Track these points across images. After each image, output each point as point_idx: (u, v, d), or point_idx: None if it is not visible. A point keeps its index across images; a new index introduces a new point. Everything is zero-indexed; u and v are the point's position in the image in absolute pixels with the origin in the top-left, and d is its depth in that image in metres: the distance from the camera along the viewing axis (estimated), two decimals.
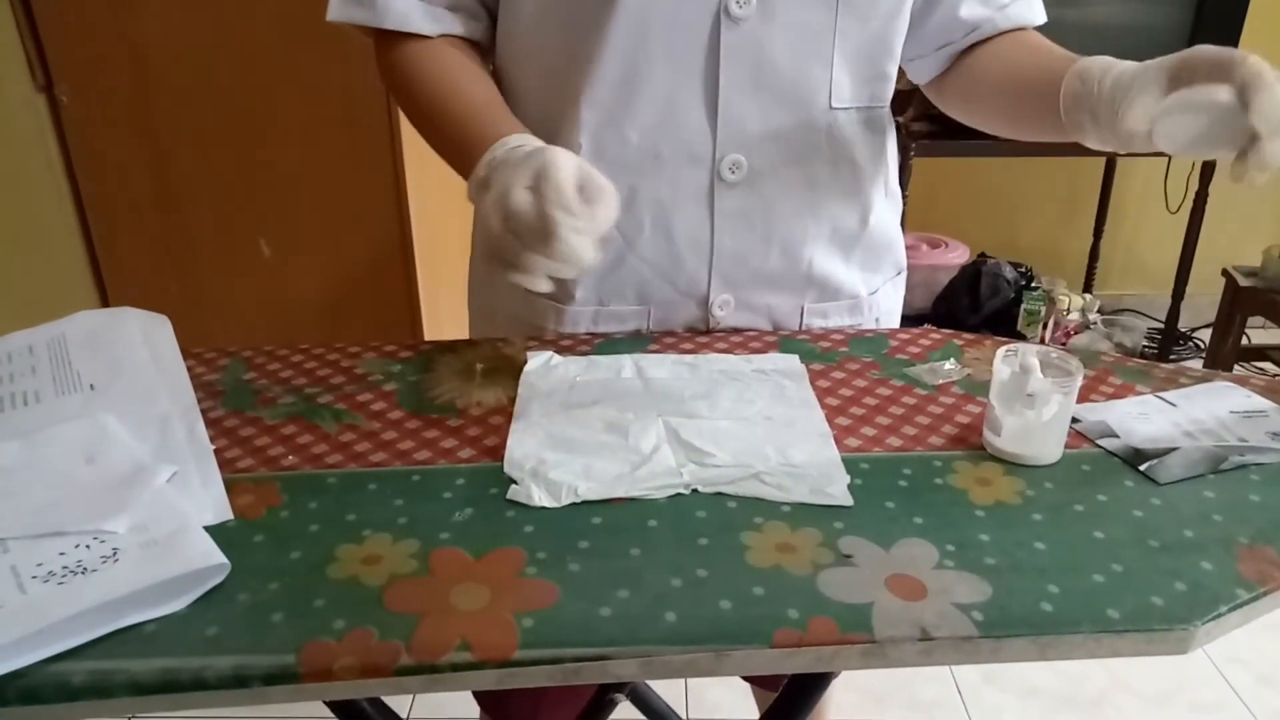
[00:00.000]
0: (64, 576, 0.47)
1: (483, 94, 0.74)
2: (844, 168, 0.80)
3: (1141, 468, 0.60)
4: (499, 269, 0.60)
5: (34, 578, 0.47)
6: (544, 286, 0.59)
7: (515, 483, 0.58)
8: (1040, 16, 0.82)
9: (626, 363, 0.74)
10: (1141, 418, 0.66)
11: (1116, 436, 0.64)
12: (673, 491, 0.57)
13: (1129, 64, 0.65)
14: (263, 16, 1.46)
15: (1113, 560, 0.51)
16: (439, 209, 1.81)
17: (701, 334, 0.81)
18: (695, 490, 0.58)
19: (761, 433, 0.64)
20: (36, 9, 1.47)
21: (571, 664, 0.45)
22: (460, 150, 0.68)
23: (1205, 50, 0.61)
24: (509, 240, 0.58)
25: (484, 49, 0.81)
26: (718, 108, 0.74)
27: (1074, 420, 0.65)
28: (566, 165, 0.58)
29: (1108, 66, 0.66)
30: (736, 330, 0.83)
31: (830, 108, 0.77)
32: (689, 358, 0.76)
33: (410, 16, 0.75)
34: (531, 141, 0.64)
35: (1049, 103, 0.70)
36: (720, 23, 0.71)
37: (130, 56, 1.49)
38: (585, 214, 0.57)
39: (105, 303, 1.68)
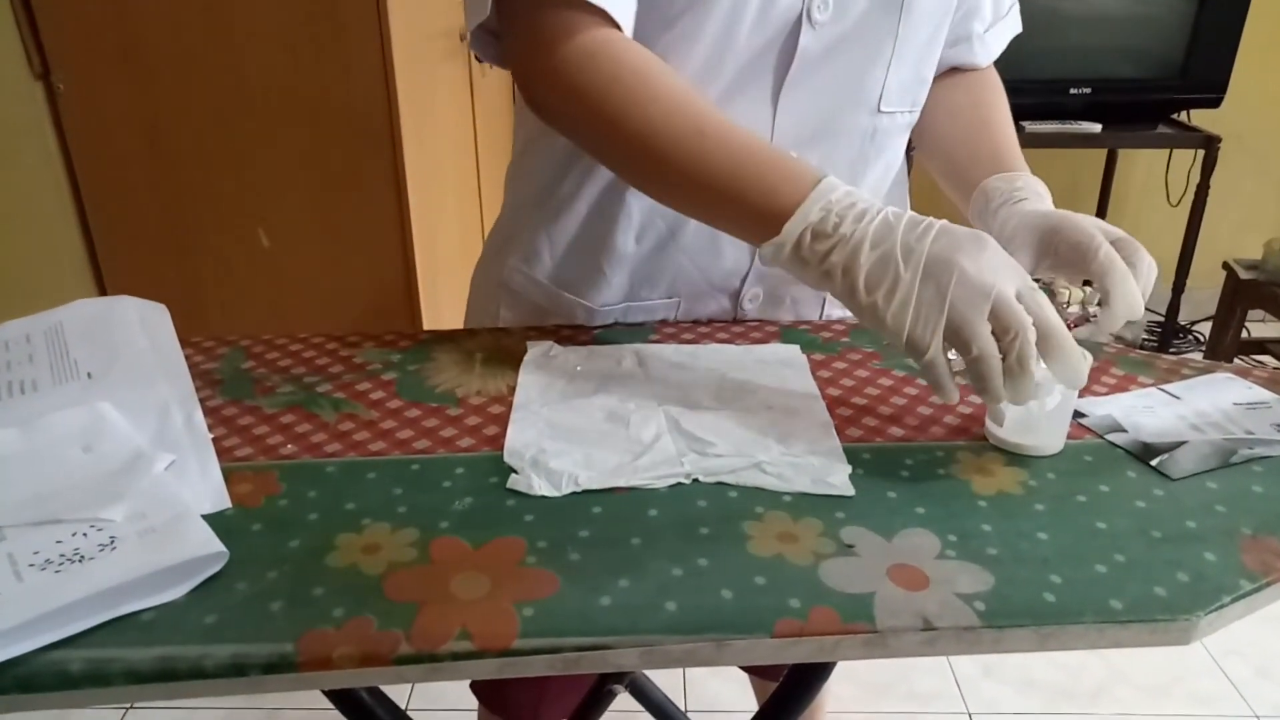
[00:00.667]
0: (61, 564, 0.47)
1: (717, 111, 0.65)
2: (879, 169, 0.81)
3: (1153, 463, 0.60)
4: (981, 393, 0.56)
5: (31, 565, 0.47)
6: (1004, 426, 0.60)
7: (515, 472, 0.58)
8: (1000, 48, 0.88)
9: (627, 352, 0.74)
10: (1147, 411, 0.66)
11: (1125, 431, 0.63)
12: (673, 481, 0.57)
13: (1016, 211, 0.72)
14: (262, 3, 1.46)
15: (1115, 551, 0.51)
16: (439, 200, 1.80)
17: (703, 324, 0.81)
18: (696, 480, 0.57)
19: (762, 422, 0.63)
20: None
21: (572, 653, 0.45)
22: (748, 178, 0.61)
23: (1068, 229, 0.67)
24: (991, 359, 0.54)
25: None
26: (778, 107, 0.74)
27: (1081, 415, 0.65)
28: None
29: (1002, 201, 0.74)
30: (741, 320, 0.83)
31: (879, 110, 0.77)
32: (689, 348, 0.75)
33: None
34: (861, 194, 0.60)
35: (963, 196, 0.80)
36: (801, 25, 0.70)
37: (128, 44, 1.49)
38: None
39: (103, 291, 1.67)
